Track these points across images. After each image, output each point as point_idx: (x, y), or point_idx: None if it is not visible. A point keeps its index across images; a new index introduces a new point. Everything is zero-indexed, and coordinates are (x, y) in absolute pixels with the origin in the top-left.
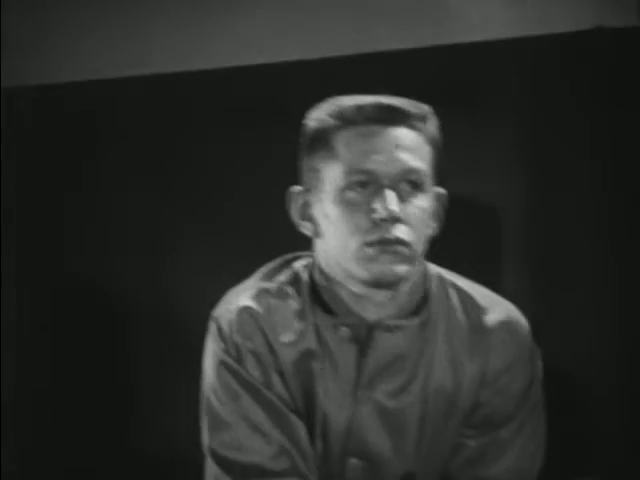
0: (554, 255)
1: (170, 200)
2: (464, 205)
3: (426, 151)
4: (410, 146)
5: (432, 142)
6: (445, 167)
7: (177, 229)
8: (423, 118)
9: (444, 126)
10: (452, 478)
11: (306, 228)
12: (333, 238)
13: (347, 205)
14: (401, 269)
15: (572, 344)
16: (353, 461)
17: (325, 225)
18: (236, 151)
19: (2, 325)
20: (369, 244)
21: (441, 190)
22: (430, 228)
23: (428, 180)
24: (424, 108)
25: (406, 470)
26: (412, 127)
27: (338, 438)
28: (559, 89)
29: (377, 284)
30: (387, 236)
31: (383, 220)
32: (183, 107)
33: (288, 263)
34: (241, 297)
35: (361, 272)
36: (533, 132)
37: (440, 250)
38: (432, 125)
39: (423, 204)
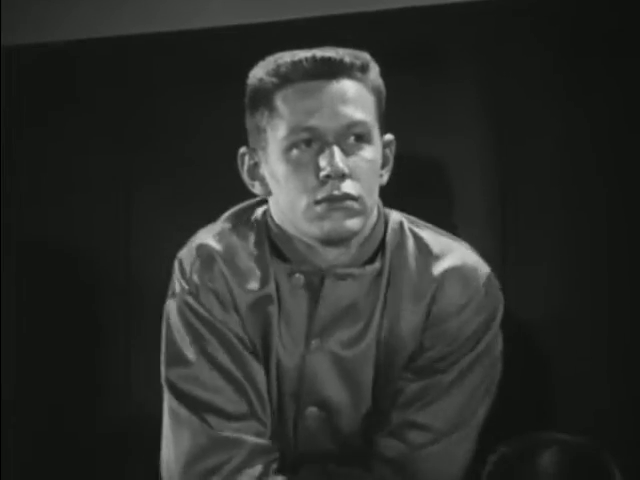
0: (517, 213)
1: (136, 165)
2: (430, 164)
3: (369, 101)
4: (352, 98)
5: (374, 90)
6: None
7: (143, 194)
8: (363, 67)
9: (410, 87)
10: (385, 420)
11: (256, 188)
12: (282, 197)
13: (293, 164)
14: (353, 223)
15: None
16: (312, 409)
17: (273, 184)
18: (203, 113)
19: None
20: (318, 202)
21: (389, 137)
22: (380, 177)
23: (374, 130)
24: (363, 57)
25: (364, 413)
26: (353, 78)
27: (292, 384)
28: (523, 48)
29: (329, 240)
30: (335, 193)
31: (330, 177)
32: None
33: (252, 208)
34: (203, 237)
35: (312, 229)
36: (496, 93)
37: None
38: (373, 73)
39: (370, 155)
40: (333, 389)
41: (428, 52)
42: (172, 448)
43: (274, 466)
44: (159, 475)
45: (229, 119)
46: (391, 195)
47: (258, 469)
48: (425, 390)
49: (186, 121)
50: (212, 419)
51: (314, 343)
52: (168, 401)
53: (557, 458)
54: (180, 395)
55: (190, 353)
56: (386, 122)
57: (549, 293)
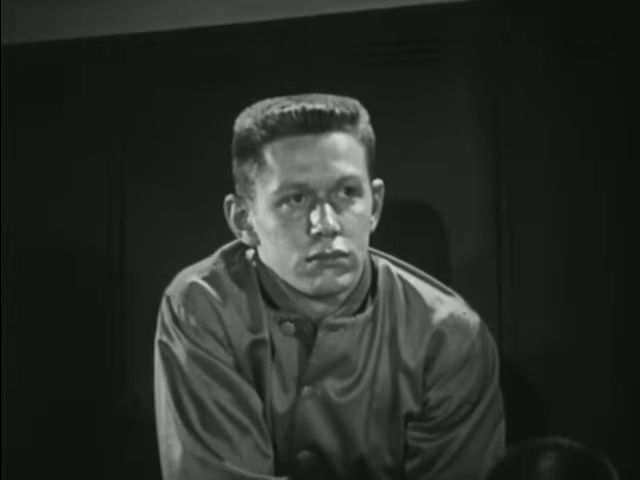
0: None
1: (132, 161)
2: (427, 169)
3: (360, 153)
4: (342, 152)
5: (364, 140)
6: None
7: (138, 192)
8: (353, 118)
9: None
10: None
11: (244, 237)
12: (272, 250)
13: (284, 219)
14: (344, 280)
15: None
16: (304, 454)
17: (262, 236)
18: (202, 115)
19: None
20: (309, 259)
21: (377, 182)
22: (370, 224)
23: (365, 183)
24: (352, 105)
25: (357, 457)
26: (343, 130)
27: (284, 429)
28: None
29: (319, 296)
30: (327, 251)
31: (321, 235)
32: (153, 67)
33: (243, 248)
34: (194, 276)
35: (303, 285)
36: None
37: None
38: (363, 122)
39: (361, 209)
40: (324, 435)
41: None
42: None
43: None
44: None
45: (223, 117)
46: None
47: None
48: (443, 448)
49: (182, 121)
50: (231, 462)
51: (306, 390)
52: (188, 446)
53: (556, 463)
54: (202, 440)
55: (198, 400)
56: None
57: (546, 344)
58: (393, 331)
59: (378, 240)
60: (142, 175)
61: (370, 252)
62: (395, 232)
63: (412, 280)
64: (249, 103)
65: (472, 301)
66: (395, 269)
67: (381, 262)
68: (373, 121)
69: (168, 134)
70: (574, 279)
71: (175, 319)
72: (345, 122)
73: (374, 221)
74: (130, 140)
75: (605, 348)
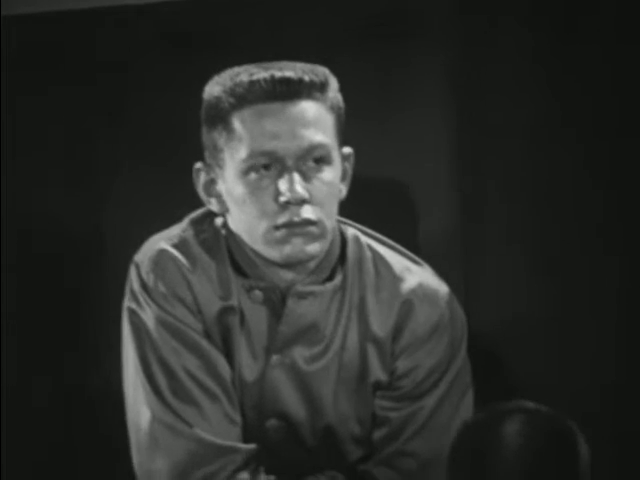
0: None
1: (111, 135)
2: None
3: (329, 121)
4: (311, 120)
5: (334, 109)
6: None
7: (118, 165)
8: (322, 86)
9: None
10: (376, 451)
11: (213, 205)
12: (240, 218)
13: (252, 187)
14: (312, 248)
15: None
16: (272, 422)
17: (231, 204)
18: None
19: None
20: (277, 227)
21: (347, 150)
22: (339, 192)
23: (334, 151)
24: (321, 73)
25: (325, 425)
26: (312, 98)
27: (252, 397)
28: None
29: (288, 264)
30: (295, 219)
31: (290, 203)
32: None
33: (212, 215)
34: (163, 243)
35: (271, 253)
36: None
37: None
38: (332, 90)
39: (330, 177)
40: (292, 403)
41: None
42: (162, 459)
43: (262, 468)
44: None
45: (199, 86)
46: (350, 208)
47: (248, 473)
48: (410, 418)
49: (169, 102)
50: (200, 429)
51: (275, 358)
52: (157, 413)
53: (523, 426)
54: (171, 406)
55: (168, 367)
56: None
57: (512, 316)
58: (362, 300)
59: (347, 211)
60: (118, 146)
61: (339, 221)
62: (363, 205)
63: (381, 249)
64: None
65: (439, 274)
66: (364, 238)
67: (350, 231)
68: (344, 93)
69: (150, 106)
70: (543, 253)
71: (144, 286)
72: (314, 90)
73: (343, 189)
74: (125, 118)
75: (575, 322)
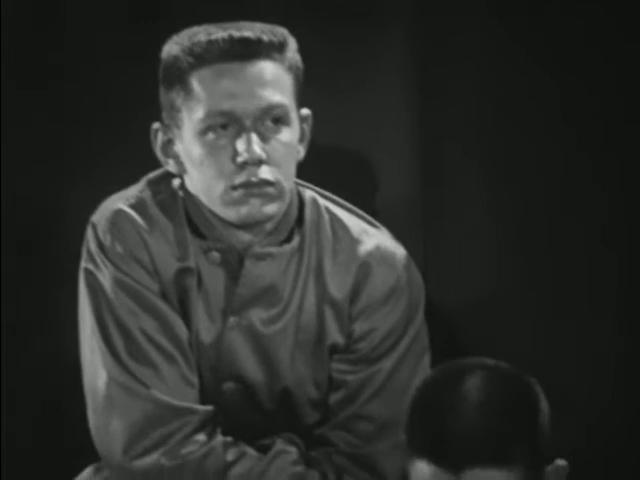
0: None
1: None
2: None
3: (287, 81)
4: (270, 80)
5: (292, 69)
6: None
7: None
8: (280, 46)
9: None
10: (332, 414)
11: (170, 165)
12: (198, 178)
13: (209, 147)
14: (270, 209)
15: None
16: (229, 385)
17: (189, 164)
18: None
19: None
20: (235, 187)
21: (305, 111)
22: (298, 153)
23: (292, 111)
24: (280, 33)
25: (282, 388)
26: (270, 58)
27: (209, 360)
28: None
29: (245, 225)
30: (253, 179)
31: (247, 163)
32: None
33: (169, 177)
34: (120, 203)
35: (229, 214)
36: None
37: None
38: (291, 50)
39: (288, 138)
40: (249, 366)
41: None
42: (118, 420)
43: (219, 430)
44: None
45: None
46: (309, 174)
47: (205, 434)
48: (367, 381)
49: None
50: (157, 390)
51: (232, 320)
52: (113, 374)
53: (482, 382)
54: (127, 367)
55: (124, 328)
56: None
57: (471, 281)
58: (319, 262)
59: (306, 177)
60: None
61: (297, 184)
62: (322, 172)
63: (339, 212)
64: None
65: (399, 240)
66: (322, 201)
67: (308, 193)
68: (305, 61)
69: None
70: (504, 219)
71: (101, 246)
72: (273, 50)
73: (302, 151)
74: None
75: (535, 289)
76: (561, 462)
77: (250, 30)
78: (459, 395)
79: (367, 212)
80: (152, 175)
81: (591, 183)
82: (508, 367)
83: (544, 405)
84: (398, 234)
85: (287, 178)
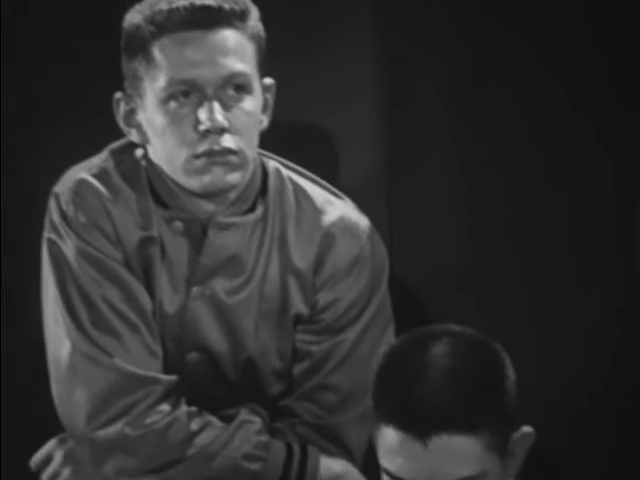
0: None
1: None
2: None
3: (249, 50)
4: (231, 49)
5: (254, 38)
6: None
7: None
8: (242, 15)
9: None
10: (296, 385)
11: (133, 135)
12: (160, 148)
13: (171, 116)
14: (233, 177)
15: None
16: (193, 355)
17: (151, 133)
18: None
19: None
20: (197, 156)
21: (268, 81)
22: (261, 123)
23: (254, 80)
24: (242, 2)
25: (246, 359)
26: (232, 27)
27: (173, 330)
28: None
29: (208, 194)
30: (215, 148)
31: (209, 132)
32: None
33: (132, 147)
34: (83, 173)
35: (191, 183)
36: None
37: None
38: (252, 19)
39: (250, 106)
40: (213, 336)
41: None
42: (81, 390)
43: (183, 400)
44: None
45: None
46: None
47: (169, 404)
48: (331, 351)
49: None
50: (120, 360)
51: (195, 290)
52: (77, 343)
53: (449, 347)
54: (91, 337)
55: (88, 297)
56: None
57: (436, 253)
58: (283, 232)
59: (270, 150)
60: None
61: (260, 154)
62: (286, 145)
63: (302, 182)
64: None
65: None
66: (286, 171)
67: (271, 163)
68: (269, 32)
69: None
70: (470, 193)
71: (64, 216)
72: (234, 18)
73: (265, 120)
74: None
75: (501, 262)
76: (527, 429)
77: None
78: (425, 361)
79: (332, 185)
80: (115, 145)
81: (560, 151)
82: (474, 333)
83: (510, 371)
84: (363, 206)
85: (250, 147)
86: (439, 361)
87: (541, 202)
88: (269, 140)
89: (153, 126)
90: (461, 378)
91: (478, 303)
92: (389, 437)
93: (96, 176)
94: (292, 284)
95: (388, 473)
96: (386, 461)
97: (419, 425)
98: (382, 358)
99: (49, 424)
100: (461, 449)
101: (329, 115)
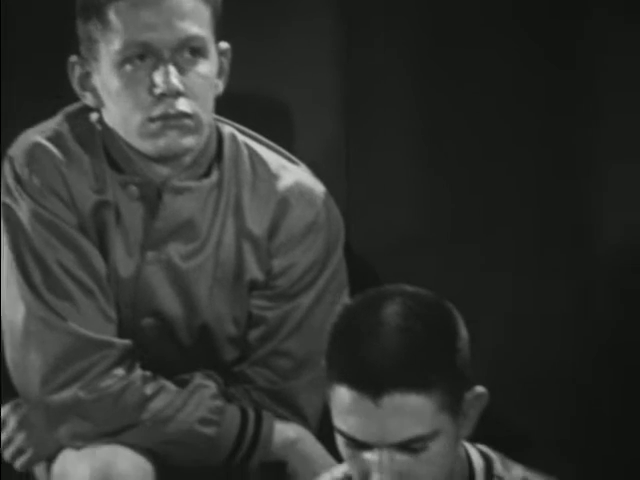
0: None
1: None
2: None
3: (205, 13)
4: (188, 12)
5: (210, 1)
6: None
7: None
8: None
9: None
10: (251, 351)
11: (88, 99)
12: (116, 112)
13: (127, 79)
14: (188, 141)
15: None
16: (148, 320)
17: (106, 97)
18: None
19: None
20: (152, 119)
21: (224, 45)
22: (216, 87)
23: (210, 44)
24: None
25: (200, 324)
26: None
27: (127, 295)
28: None
29: (163, 157)
30: (170, 111)
31: (165, 95)
32: None
33: (87, 111)
34: (38, 136)
35: (146, 146)
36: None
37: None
38: None
39: (206, 70)
40: (168, 301)
41: None
42: (35, 353)
43: (138, 364)
44: None
45: None
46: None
47: (124, 368)
48: (286, 317)
49: None
50: (75, 323)
51: (150, 255)
52: (31, 307)
53: (401, 307)
54: (45, 301)
55: (42, 261)
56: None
57: (394, 221)
58: (238, 198)
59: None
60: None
61: (216, 119)
62: (243, 116)
63: (258, 148)
64: None
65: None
66: (241, 137)
67: (227, 129)
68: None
69: None
70: (430, 163)
71: (18, 179)
72: None
73: (220, 85)
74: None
75: (460, 235)
76: (480, 389)
77: None
78: (379, 320)
79: (291, 154)
80: (70, 108)
81: (524, 119)
82: (428, 293)
83: (463, 331)
84: (321, 175)
85: (205, 111)
86: (392, 320)
87: (501, 168)
88: (228, 111)
89: (108, 89)
90: (414, 337)
91: (435, 270)
92: (342, 396)
93: (51, 139)
94: (247, 250)
95: (341, 433)
96: (339, 421)
97: (371, 383)
98: (336, 318)
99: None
100: (413, 408)
101: (287, 85)
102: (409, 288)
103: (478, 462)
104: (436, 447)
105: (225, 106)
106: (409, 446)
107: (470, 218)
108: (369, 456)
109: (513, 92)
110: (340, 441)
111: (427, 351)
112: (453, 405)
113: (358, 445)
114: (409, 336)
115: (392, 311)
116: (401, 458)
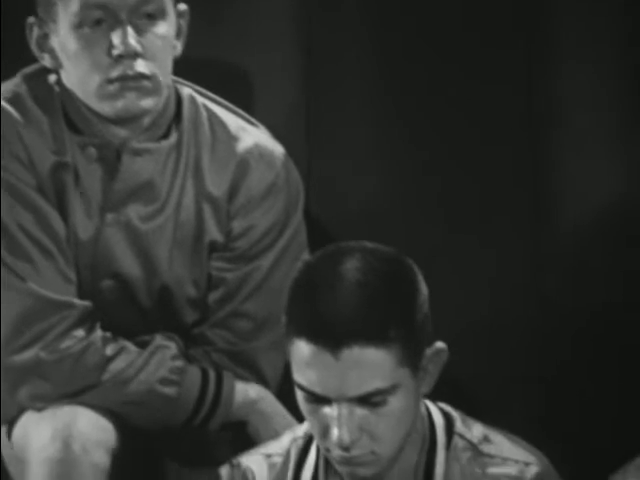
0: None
1: None
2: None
3: None
4: None
5: None
6: None
7: None
8: None
9: None
10: (211, 313)
11: (46, 60)
12: (74, 73)
13: (85, 41)
14: (146, 103)
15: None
16: (107, 282)
17: (64, 59)
18: None
19: None
20: (111, 81)
21: (182, 7)
22: (174, 49)
23: (168, 4)
24: None
25: (160, 286)
26: None
27: (87, 257)
28: None
29: (121, 119)
30: (129, 72)
31: (123, 56)
32: None
33: (46, 72)
34: None
35: (104, 108)
36: None
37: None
38: None
39: (164, 31)
40: (127, 263)
41: None
42: None
43: (98, 325)
44: None
45: None
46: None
47: (84, 330)
48: (246, 278)
49: None
50: (34, 284)
51: (110, 217)
52: None
53: (361, 263)
54: (4, 262)
55: (1, 222)
56: None
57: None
58: (197, 159)
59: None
60: None
61: (175, 81)
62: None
63: (217, 109)
64: None
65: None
66: (200, 99)
67: (186, 91)
68: None
69: None
70: (390, 131)
71: None
72: None
73: (178, 46)
74: None
75: (421, 199)
76: (440, 345)
77: None
78: (338, 275)
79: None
80: (28, 70)
81: (479, 91)
82: (387, 249)
83: (423, 286)
84: (281, 138)
85: (163, 72)
86: (351, 275)
87: (460, 139)
88: (189, 75)
89: (66, 51)
90: (373, 291)
91: (395, 235)
92: (301, 350)
93: (8, 100)
94: (207, 211)
95: (301, 387)
96: (299, 375)
97: (330, 337)
98: (297, 273)
99: None
100: (372, 361)
101: (249, 50)
102: (369, 244)
103: (439, 419)
104: (396, 401)
105: (185, 70)
106: (369, 400)
107: (431, 182)
108: (329, 410)
109: (471, 68)
110: (300, 396)
111: (386, 305)
112: (413, 360)
113: (318, 399)
114: (368, 290)
115: (351, 266)
116: (361, 412)
